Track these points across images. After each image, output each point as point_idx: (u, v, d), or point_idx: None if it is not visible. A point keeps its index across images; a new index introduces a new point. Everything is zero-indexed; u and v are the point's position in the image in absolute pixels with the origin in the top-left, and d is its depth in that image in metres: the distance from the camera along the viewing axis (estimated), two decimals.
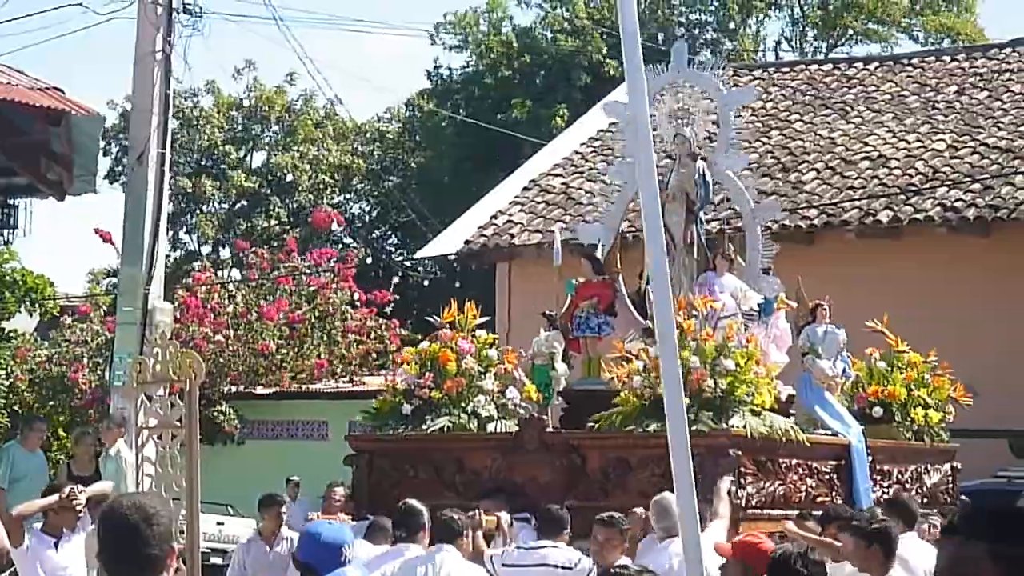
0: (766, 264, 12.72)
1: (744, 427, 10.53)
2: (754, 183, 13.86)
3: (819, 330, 12.59)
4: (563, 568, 8.51)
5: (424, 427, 11.55)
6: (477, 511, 9.45)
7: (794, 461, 11.17)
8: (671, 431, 4.85)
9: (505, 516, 9.72)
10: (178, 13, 13.22)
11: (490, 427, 11.72)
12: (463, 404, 11.65)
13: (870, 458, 11.93)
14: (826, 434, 11.89)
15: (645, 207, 4.86)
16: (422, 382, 11.57)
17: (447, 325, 12.00)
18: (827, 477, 11.58)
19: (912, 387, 12.94)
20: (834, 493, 11.50)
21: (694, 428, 10.18)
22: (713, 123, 13.22)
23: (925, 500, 12.51)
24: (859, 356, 13.06)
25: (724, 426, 10.50)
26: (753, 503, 10.58)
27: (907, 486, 12.63)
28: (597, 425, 11.07)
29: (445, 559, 8.16)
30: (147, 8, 13.12)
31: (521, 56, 35.08)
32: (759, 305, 12.29)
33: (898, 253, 17.62)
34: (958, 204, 17.49)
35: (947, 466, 13.43)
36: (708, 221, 13.72)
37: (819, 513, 9.68)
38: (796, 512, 10.24)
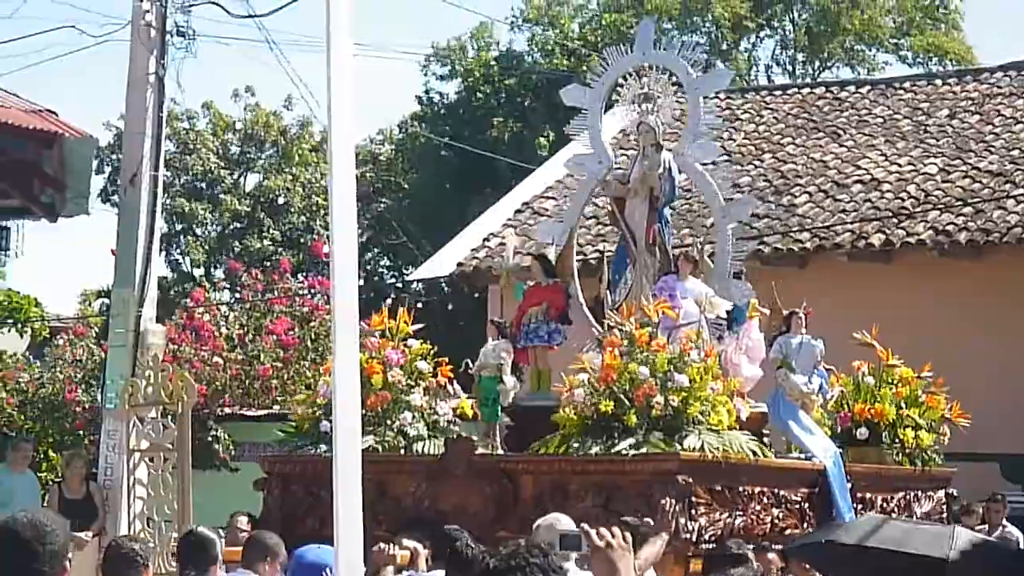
0: (737, 267, 11.61)
1: (699, 449, 9.36)
2: (725, 175, 12.65)
3: (793, 341, 11.29)
4: None
5: None
6: (383, 546, 8.27)
7: (757, 489, 9.92)
8: (339, 458, 4.22)
9: (422, 550, 8.39)
10: (172, 36, 13.25)
11: (418, 447, 10.55)
12: (388, 421, 10.56)
13: (850, 484, 10.84)
14: (800, 458, 10.82)
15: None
16: None
17: (375, 334, 10.92)
18: (797, 507, 10.38)
19: (902, 405, 11.97)
20: (805, 524, 10.34)
21: (640, 451, 9.35)
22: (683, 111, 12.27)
23: None
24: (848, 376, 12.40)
25: (676, 448, 9.30)
26: (707, 537, 9.36)
27: (893, 515, 11.44)
28: (536, 447, 9.88)
29: None
30: (140, 31, 13.16)
31: (505, 78, 35.08)
32: (728, 313, 11.17)
33: (890, 276, 17.66)
34: (950, 228, 17.54)
35: (940, 493, 12.49)
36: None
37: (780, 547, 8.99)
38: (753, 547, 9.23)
